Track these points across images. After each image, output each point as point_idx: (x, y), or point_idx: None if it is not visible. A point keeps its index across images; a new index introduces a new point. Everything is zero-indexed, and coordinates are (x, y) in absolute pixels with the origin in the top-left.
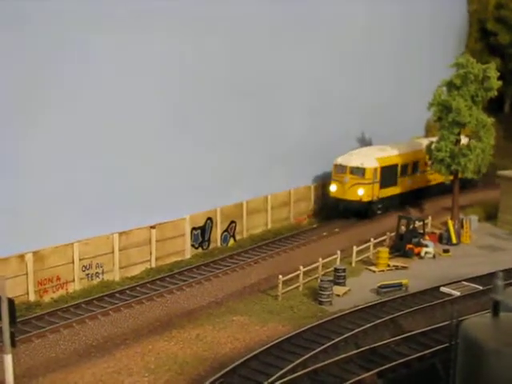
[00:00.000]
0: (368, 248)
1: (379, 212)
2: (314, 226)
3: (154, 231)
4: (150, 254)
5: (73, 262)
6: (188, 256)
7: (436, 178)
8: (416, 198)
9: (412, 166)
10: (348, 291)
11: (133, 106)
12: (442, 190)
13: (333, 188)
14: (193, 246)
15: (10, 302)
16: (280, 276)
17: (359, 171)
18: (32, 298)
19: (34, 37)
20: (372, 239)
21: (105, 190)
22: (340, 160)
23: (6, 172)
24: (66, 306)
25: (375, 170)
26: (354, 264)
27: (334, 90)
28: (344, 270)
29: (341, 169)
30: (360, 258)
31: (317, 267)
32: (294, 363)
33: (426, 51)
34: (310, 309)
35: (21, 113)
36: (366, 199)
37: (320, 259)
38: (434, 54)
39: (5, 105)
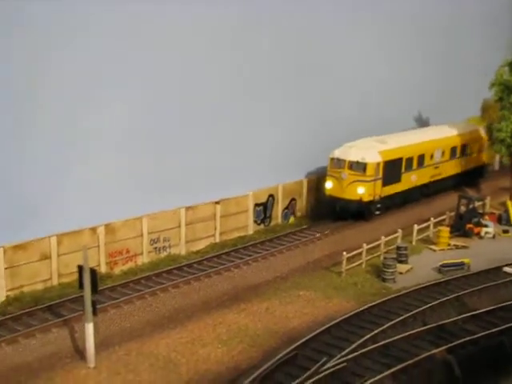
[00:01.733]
0: (428, 227)
1: (377, 213)
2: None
3: (218, 207)
4: (215, 229)
5: (142, 236)
6: (250, 232)
7: (445, 171)
8: (422, 194)
9: (418, 160)
10: (410, 269)
11: (194, 87)
12: (453, 184)
13: (328, 185)
14: (255, 222)
15: (93, 271)
16: (344, 253)
17: (360, 166)
18: (103, 269)
19: None
20: (432, 218)
21: (172, 167)
22: (337, 153)
23: (83, 149)
24: (136, 278)
25: (378, 165)
26: (414, 243)
27: (386, 75)
28: (406, 248)
29: (338, 163)
30: (420, 237)
31: (378, 245)
32: (364, 338)
33: (480, 31)
34: (373, 285)
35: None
36: (366, 199)
37: (382, 237)
38: (488, 33)
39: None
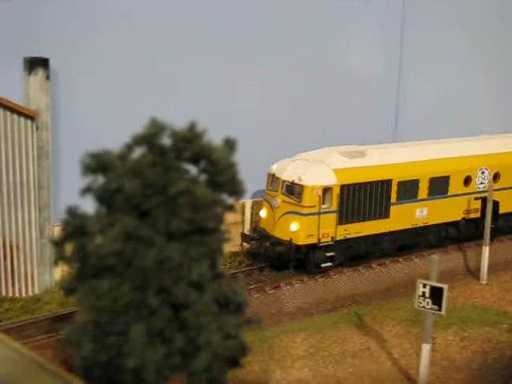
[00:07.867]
0: None
1: (328, 264)
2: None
3: None
4: None
5: None
6: None
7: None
8: (448, 237)
9: (432, 184)
10: None
11: None
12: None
13: (262, 214)
14: None
15: (495, 203)
16: None
17: (295, 190)
18: None
19: None
20: None
21: None
22: (275, 168)
23: None
24: None
25: (327, 190)
26: None
27: None
28: None
29: (274, 183)
30: None
31: None
32: None
33: None
34: None
35: None
36: (302, 241)
37: None
38: None
39: None
